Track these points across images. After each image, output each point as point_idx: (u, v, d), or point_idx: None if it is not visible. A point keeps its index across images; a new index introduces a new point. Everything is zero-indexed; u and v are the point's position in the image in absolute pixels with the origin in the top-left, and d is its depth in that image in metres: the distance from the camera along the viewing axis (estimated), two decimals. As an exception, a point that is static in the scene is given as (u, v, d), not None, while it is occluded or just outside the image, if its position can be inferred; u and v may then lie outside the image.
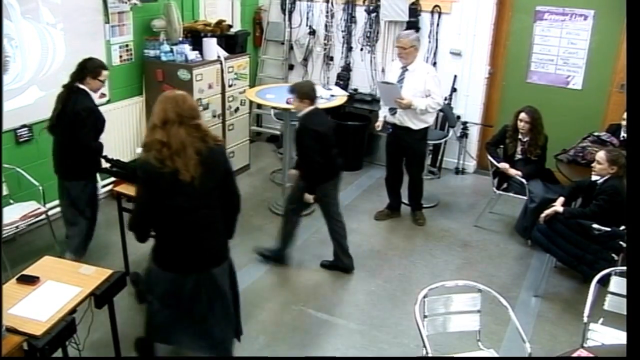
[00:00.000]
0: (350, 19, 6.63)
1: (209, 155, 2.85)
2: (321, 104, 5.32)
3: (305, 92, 4.13)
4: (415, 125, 4.95)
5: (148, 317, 3.14)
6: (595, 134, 4.96)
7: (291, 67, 7.15)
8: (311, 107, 4.16)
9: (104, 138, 4.34)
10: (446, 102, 6.29)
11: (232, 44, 5.96)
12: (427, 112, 4.90)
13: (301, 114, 4.17)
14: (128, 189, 4.14)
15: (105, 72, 4.10)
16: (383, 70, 6.57)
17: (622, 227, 3.96)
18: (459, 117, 6.32)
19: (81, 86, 4.01)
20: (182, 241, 2.93)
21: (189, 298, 3.01)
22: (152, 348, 3.28)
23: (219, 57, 5.69)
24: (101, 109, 5.23)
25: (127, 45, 5.45)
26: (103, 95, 5.28)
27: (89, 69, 4.02)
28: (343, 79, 6.72)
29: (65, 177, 4.22)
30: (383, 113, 5.16)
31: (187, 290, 2.99)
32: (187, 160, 2.78)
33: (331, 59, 6.87)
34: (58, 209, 5.02)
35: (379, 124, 5.23)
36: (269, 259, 4.59)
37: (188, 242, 2.92)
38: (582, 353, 2.64)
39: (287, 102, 5.13)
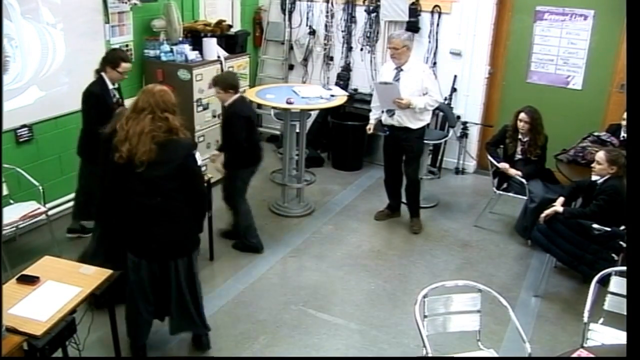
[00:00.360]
0: (350, 19, 6.63)
1: (167, 145, 3.01)
2: (321, 104, 5.34)
3: (229, 82, 4.41)
4: (414, 124, 4.94)
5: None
6: (595, 134, 4.96)
7: (291, 67, 7.15)
8: (237, 96, 4.42)
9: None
10: (446, 102, 6.30)
11: (232, 44, 5.96)
12: (426, 111, 4.90)
13: (227, 103, 4.42)
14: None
15: (125, 65, 4.27)
16: (383, 70, 6.57)
17: (622, 227, 3.96)
18: (459, 117, 6.32)
19: (102, 74, 4.25)
20: (135, 225, 3.16)
21: (148, 282, 3.27)
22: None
23: (219, 57, 5.69)
24: (101, 109, 5.25)
25: (127, 45, 5.45)
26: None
27: (108, 58, 4.28)
28: (343, 79, 6.72)
29: (81, 157, 4.50)
30: (374, 115, 5.17)
31: (143, 274, 3.24)
32: (138, 147, 2.95)
33: (331, 59, 6.87)
34: (58, 209, 5.04)
35: (370, 127, 5.21)
36: (246, 249, 4.75)
37: (140, 227, 3.15)
38: (582, 353, 2.65)
39: (288, 102, 5.13)
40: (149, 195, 3.07)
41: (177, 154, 3.07)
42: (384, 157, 5.32)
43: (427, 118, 5.05)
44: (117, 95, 4.42)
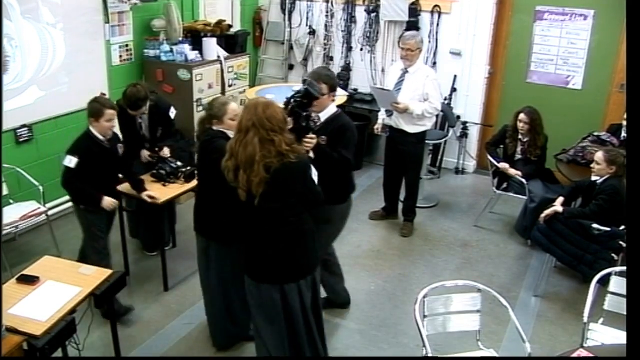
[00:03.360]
0: (350, 19, 6.63)
1: (281, 172, 2.67)
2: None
3: (335, 81, 3.68)
4: (411, 129, 4.88)
5: None
6: (595, 134, 4.97)
7: (291, 67, 7.15)
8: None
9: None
10: (446, 102, 6.30)
11: (232, 44, 5.96)
12: (425, 117, 4.84)
13: (330, 112, 3.58)
14: (128, 189, 4.14)
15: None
16: (383, 71, 6.57)
17: (622, 227, 3.96)
18: (459, 117, 6.32)
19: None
20: (254, 246, 2.93)
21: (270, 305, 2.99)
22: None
23: (219, 57, 5.69)
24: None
25: (127, 45, 5.45)
26: (103, 95, 5.27)
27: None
28: (343, 79, 6.72)
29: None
30: (382, 115, 5.12)
31: (264, 298, 2.98)
32: (252, 177, 2.66)
33: (331, 59, 6.87)
34: (58, 209, 5.04)
35: (378, 127, 5.20)
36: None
37: (259, 249, 2.91)
38: (582, 353, 2.64)
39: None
40: (267, 222, 2.83)
41: (294, 179, 2.76)
42: (384, 158, 5.30)
43: (427, 124, 4.96)
44: (140, 120, 4.28)
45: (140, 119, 4.31)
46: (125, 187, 4.19)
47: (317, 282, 3.12)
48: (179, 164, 4.19)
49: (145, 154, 4.30)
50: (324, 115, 3.41)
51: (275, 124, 2.67)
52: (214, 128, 3.39)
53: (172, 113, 4.46)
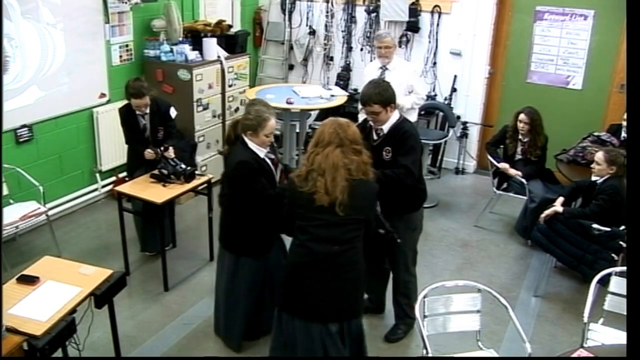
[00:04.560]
0: (350, 19, 6.63)
1: (358, 187, 2.63)
2: (321, 104, 5.34)
3: (390, 95, 3.39)
4: None
5: None
6: (595, 134, 4.96)
7: (291, 67, 7.15)
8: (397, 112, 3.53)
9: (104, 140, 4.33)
10: (446, 102, 6.30)
11: (232, 44, 5.96)
12: (412, 109, 4.87)
13: (391, 123, 3.42)
14: (129, 189, 4.15)
15: (135, 101, 4.21)
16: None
17: (622, 227, 3.96)
18: (459, 117, 6.32)
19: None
20: (299, 275, 2.74)
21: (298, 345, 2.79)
22: None
23: (219, 57, 5.68)
24: (101, 109, 5.29)
25: (127, 45, 5.45)
26: (103, 95, 5.29)
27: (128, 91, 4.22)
28: (343, 79, 6.71)
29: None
30: (363, 116, 5.06)
31: (296, 336, 2.80)
32: (335, 182, 2.59)
33: (331, 59, 6.87)
34: (58, 209, 5.04)
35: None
36: None
37: (305, 279, 2.72)
38: (582, 353, 2.64)
39: (288, 102, 5.14)
40: (328, 242, 2.65)
41: (367, 200, 2.71)
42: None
43: (414, 116, 4.97)
44: (144, 121, 4.35)
45: (143, 120, 4.32)
46: (126, 187, 4.20)
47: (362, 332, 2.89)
48: (183, 166, 4.18)
49: (149, 151, 4.28)
50: (386, 127, 3.33)
51: (358, 139, 2.71)
52: (246, 140, 3.20)
53: (173, 113, 4.47)
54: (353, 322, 2.82)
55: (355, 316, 2.83)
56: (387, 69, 4.85)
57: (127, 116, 4.32)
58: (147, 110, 4.29)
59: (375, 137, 3.35)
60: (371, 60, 6.11)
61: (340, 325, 2.75)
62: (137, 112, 4.28)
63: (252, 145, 3.19)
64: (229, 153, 3.30)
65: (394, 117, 3.33)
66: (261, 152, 3.22)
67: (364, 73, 5.13)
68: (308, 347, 2.76)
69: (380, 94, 3.24)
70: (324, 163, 2.61)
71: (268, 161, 3.26)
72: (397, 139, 3.30)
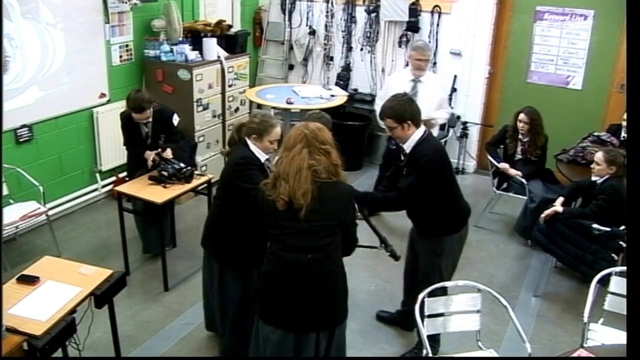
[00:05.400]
0: (350, 19, 6.63)
1: (328, 190, 2.52)
2: (321, 104, 5.34)
3: (407, 112, 3.20)
4: None
5: None
6: (595, 134, 4.96)
7: (291, 67, 7.15)
8: (422, 130, 3.25)
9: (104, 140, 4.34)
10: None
11: (232, 44, 5.96)
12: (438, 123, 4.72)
13: (414, 140, 3.21)
14: (129, 189, 4.14)
15: (135, 116, 4.18)
16: (383, 70, 6.57)
17: (622, 227, 3.96)
18: (459, 117, 6.32)
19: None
20: (275, 287, 2.63)
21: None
22: None
23: (219, 57, 5.68)
24: (101, 109, 5.29)
25: (127, 45, 5.45)
26: (103, 95, 5.28)
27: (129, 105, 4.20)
28: (343, 79, 6.71)
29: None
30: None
31: (274, 346, 2.65)
32: (297, 186, 2.47)
33: (331, 59, 6.87)
34: (58, 209, 5.04)
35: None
36: None
37: (282, 290, 2.60)
38: (582, 353, 2.65)
39: (288, 102, 5.14)
40: (299, 250, 2.53)
41: (339, 203, 2.58)
42: (383, 161, 5.01)
43: (435, 130, 4.82)
44: (146, 129, 4.32)
45: (145, 128, 4.30)
46: (126, 187, 4.20)
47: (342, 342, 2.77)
48: (182, 165, 4.17)
49: (149, 154, 4.26)
50: (407, 146, 3.16)
51: (327, 138, 2.61)
52: (249, 143, 3.15)
53: (176, 120, 4.43)
54: (333, 331, 2.69)
55: (333, 326, 2.68)
56: (420, 81, 4.61)
57: (129, 124, 4.28)
58: (150, 119, 4.26)
59: (402, 157, 3.23)
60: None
61: (317, 335, 2.63)
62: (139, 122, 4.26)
63: (254, 148, 3.16)
64: (229, 153, 3.29)
65: (416, 135, 3.14)
66: (262, 157, 3.18)
67: (389, 84, 4.76)
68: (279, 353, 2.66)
69: (393, 109, 3.12)
70: (287, 167, 2.52)
71: (267, 167, 3.18)
72: (411, 159, 3.15)
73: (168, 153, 4.25)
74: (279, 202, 2.51)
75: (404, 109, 3.11)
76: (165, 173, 4.12)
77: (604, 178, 4.12)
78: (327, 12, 6.69)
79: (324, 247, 2.55)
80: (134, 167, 4.41)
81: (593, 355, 2.62)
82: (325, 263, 2.56)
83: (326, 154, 2.56)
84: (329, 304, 2.62)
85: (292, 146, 2.58)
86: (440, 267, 3.35)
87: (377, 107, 4.47)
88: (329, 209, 2.54)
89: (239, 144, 3.22)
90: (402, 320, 3.81)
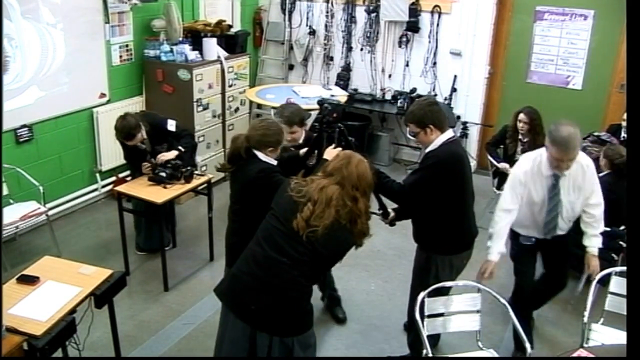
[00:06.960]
0: (350, 19, 6.63)
1: (337, 232, 2.48)
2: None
3: (432, 117, 3.06)
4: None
5: None
6: (595, 134, 4.96)
7: (291, 67, 7.15)
8: (447, 135, 3.09)
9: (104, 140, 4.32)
10: (446, 102, 6.30)
11: (232, 44, 5.96)
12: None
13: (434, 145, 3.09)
14: (128, 189, 4.14)
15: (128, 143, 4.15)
16: (383, 71, 6.58)
17: (622, 227, 3.96)
18: (459, 117, 6.32)
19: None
20: (241, 270, 2.64)
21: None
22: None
23: (219, 57, 5.68)
24: (101, 109, 5.29)
25: (127, 45, 5.45)
26: (103, 95, 5.29)
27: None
28: (343, 79, 6.72)
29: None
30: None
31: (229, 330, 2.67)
32: (322, 218, 2.43)
33: (331, 59, 6.87)
34: (58, 209, 5.04)
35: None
36: None
37: (248, 277, 2.60)
38: (582, 353, 2.65)
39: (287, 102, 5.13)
40: (279, 251, 2.51)
41: (338, 247, 2.55)
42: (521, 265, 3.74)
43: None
44: (144, 146, 4.26)
45: (143, 145, 4.23)
46: (126, 187, 4.20)
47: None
48: (179, 162, 4.15)
49: (145, 164, 4.23)
50: (428, 150, 3.09)
51: (360, 182, 2.52)
52: (259, 155, 3.05)
53: (171, 126, 4.33)
54: (287, 340, 2.58)
55: (284, 334, 2.58)
56: (562, 175, 3.25)
57: (126, 146, 4.21)
58: (145, 137, 4.20)
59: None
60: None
61: (270, 338, 2.56)
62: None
63: (266, 158, 3.08)
64: (237, 170, 3.13)
65: (439, 139, 3.01)
66: (274, 162, 3.11)
67: (514, 184, 3.33)
68: (234, 345, 2.64)
69: (414, 114, 3.02)
70: (317, 193, 2.47)
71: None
72: (423, 159, 3.09)
73: (160, 158, 4.18)
74: (298, 221, 2.47)
75: (424, 112, 3.00)
76: (163, 174, 4.11)
77: (601, 174, 4.12)
78: (327, 12, 6.69)
79: (299, 263, 2.51)
80: (136, 174, 4.39)
81: (593, 355, 2.62)
82: (296, 274, 2.51)
83: (353, 200, 2.49)
84: (288, 313, 2.55)
85: (328, 174, 2.54)
86: (424, 285, 3.04)
87: (498, 218, 3.40)
88: (328, 243, 2.49)
89: (246, 159, 3.08)
90: None
